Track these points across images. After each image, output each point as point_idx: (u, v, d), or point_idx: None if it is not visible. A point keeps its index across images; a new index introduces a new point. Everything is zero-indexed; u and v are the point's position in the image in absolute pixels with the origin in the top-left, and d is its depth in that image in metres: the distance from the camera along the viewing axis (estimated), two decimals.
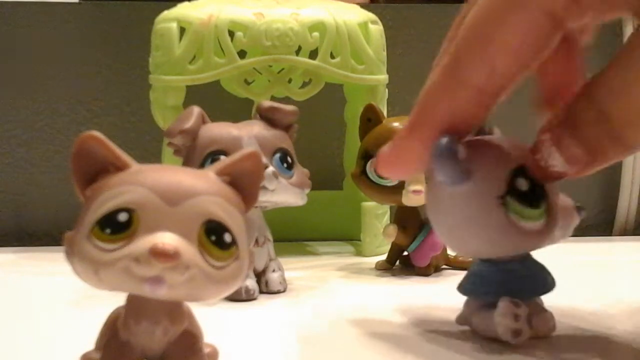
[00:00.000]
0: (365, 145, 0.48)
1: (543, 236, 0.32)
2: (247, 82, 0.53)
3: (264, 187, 0.40)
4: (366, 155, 0.47)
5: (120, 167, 0.24)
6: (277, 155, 0.42)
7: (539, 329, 0.33)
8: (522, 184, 0.31)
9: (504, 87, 0.29)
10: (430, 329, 0.35)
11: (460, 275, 0.48)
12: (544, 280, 0.34)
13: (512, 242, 0.31)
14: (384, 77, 0.55)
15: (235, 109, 0.54)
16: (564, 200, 0.33)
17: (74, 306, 0.40)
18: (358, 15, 0.54)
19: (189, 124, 0.41)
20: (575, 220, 0.34)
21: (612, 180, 0.69)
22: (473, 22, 0.29)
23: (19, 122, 0.63)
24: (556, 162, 0.30)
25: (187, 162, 0.41)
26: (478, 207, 0.31)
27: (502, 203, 0.30)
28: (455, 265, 0.50)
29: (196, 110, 0.42)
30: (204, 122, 0.42)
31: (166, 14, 0.53)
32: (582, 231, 0.43)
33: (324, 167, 0.63)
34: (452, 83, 0.29)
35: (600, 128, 0.28)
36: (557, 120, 0.30)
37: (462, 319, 0.35)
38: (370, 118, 0.48)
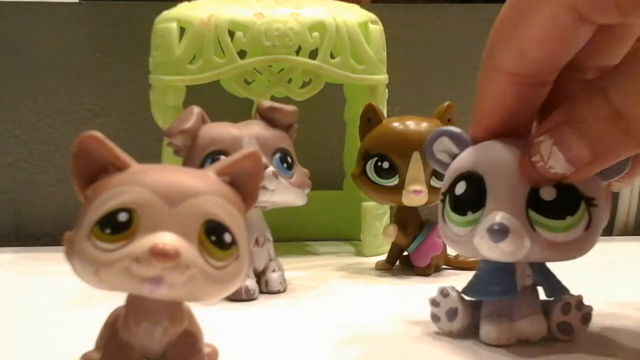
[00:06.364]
0: (365, 145, 0.48)
1: (462, 244, 0.32)
2: (247, 82, 0.52)
3: (264, 187, 0.40)
4: (366, 156, 0.47)
5: (120, 167, 0.24)
6: (277, 155, 0.42)
7: (522, 332, 0.33)
8: (459, 189, 0.32)
9: (538, 71, 0.30)
10: (430, 329, 0.35)
11: (460, 275, 0.48)
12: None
13: (445, 238, 0.34)
14: (384, 77, 0.55)
15: (235, 109, 0.54)
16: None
17: (74, 306, 0.40)
18: (358, 15, 0.54)
19: (189, 124, 0.41)
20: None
21: None
22: (503, 11, 0.30)
23: (19, 122, 0.63)
24: (557, 162, 0.30)
25: (187, 162, 0.41)
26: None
27: (442, 200, 0.33)
28: (455, 265, 0.50)
29: (196, 110, 0.42)
30: (204, 122, 0.42)
31: (166, 14, 0.53)
32: None
33: (324, 167, 0.63)
34: (490, 69, 0.31)
35: (613, 125, 0.28)
36: (557, 121, 0.30)
37: None
38: (370, 118, 0.48)
